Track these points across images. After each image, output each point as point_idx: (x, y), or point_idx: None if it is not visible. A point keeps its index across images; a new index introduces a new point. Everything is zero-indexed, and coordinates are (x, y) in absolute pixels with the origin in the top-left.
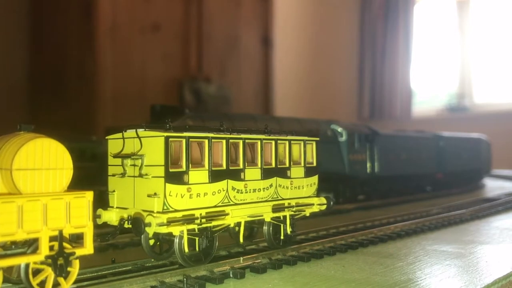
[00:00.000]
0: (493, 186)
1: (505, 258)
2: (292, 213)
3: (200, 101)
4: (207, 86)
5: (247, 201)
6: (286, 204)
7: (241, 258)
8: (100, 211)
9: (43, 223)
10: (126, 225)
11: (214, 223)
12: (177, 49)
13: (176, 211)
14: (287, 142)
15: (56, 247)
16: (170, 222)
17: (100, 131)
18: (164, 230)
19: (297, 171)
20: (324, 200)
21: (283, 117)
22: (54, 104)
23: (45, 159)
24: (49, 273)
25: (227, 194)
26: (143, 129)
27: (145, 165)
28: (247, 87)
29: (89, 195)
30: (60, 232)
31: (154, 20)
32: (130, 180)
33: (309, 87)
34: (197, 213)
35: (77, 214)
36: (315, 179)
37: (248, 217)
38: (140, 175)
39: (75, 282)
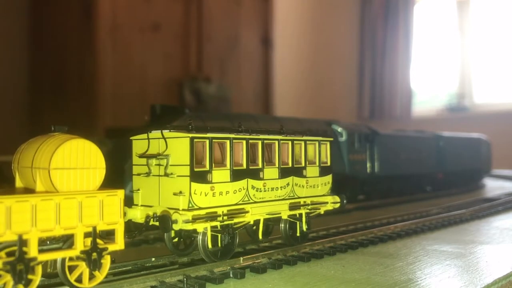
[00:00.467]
0: (493, 186)
1: (505, 258)
2: (308, 211)
3: (200, 101)
4: (207, 86)
5: (266, 199)
6: (302, 202)
7: (241, 258)
8: (125, 208)
9: (79, 220)
10: (152, 222)
11: (235, 220)
12: (177, 49)
13: (200, 208)
14: (303, 143)
15: (89, 243)
16: (195, 219)
17: (100, 131)
18: (189, 227)
19: (312, 171)
20: (337, 199)
21: (283, 117)
22: (54, 104)
23: (79, 159)
24: (83, 268)
25: (247, 192)
26: (168, 130)
27: (171, 165)
28: (247, 87)
29: (120, 193)
30: (94, 228)
31: (154, 20)
32: (155, 179)
33: (309, 87)
34: (219, 211)
35: (109, 211)
36: (329, 178)
37: (266, 214)
38: (166, 174)
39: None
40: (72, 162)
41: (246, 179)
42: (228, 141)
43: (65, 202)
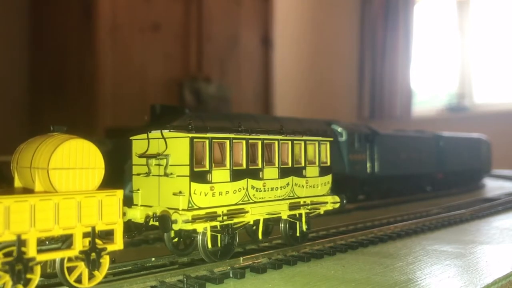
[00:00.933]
0: (493, 186)
1: (505, 258)
2: (308, 211)
3: (200, 101)
4: (207, 86)
5: (266, 199)
6: (302, 202)
7: (241, 258)
8: (125, 208)
9: (77, 220)
10: (151, 222)
11: (235, 220)
12: (177, 49)
13: (200, 208)
14: (302, 143)
15: (88, 243)
16: (194, 219)
17: (100, 131)
18: (189, 226)
19: (312, 171)
20: (337, 199)
21: (283, 117)
22: (54, 104)
23: (78, 159)
24: (82, 268)
25: (247, 192)
26: (168, 130)
27: (170, 165)
28: (247, 87)
29: (119, 194)
30: (93, 228)
31: (154, 20)
32: (155, 179)
33: (309, 87)
34: (219, 211)
35: (108, 211)
36: (329, 178)
37: (266, 214)
38: (165, 174)
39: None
40: (71, 162)
41: (246, 179)
42: (227, 141)
43: (64, 202)
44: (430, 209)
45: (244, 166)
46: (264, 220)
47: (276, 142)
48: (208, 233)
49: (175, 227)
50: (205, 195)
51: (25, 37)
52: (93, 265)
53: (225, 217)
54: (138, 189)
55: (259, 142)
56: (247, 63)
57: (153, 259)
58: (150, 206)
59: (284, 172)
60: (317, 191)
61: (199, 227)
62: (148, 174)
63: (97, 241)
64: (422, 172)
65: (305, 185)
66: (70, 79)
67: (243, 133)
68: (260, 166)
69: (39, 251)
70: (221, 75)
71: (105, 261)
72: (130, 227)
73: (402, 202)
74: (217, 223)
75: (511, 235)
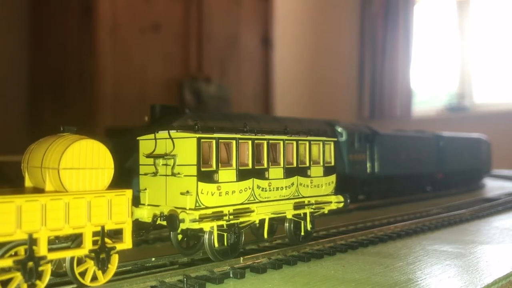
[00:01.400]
0: (493, 186)
1: (505, 258)
2: (312, 210)
3: (200, 101)
4: (207, 86)
5: (271, 199)
6: (306, 202)
7: (241, 258)
8: (132, 208)
9: (87, 219)
10: (159, 222)
11: (241, 219)
12: (177, 49)
13: (207, 208)
14: (307, 143)
15: (98, 242)
16: (201, 219)
17: (100, 131)
18: (196, 226)
19: (317, 170)
20: (341, 198)
21: (283, 117)
22: (54, 104)
23: (88, 159)
24: (90, 266)
25: (252, 192)
26: (175, 131)
27: (177, 165)
28: (247, 87)
29: (128, 193)
30: (102, 227)
31: (154, 20)
32: (162, 178)
33: (309, 87)
34: (225, 210)
35: (117, 211)
36: (333, 178)
37: (271, 214)
38: (173, 174)
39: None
40: (81, 162)
41: (251, 179)
42: (234, 141)
43: (74, 202)
44: (430, 209)
45: (250, 166)
46: (270, 219)
47: (281, 142)
48: (215, 232)
49: (183, 226)
50: (212, 195)
51: (25, 37)
52: (103, 264)
53: (231, 217)
54: (145, 189)
55: (265, 142)
56: (247, 63)
57: (153, 259)
58: (157, 206)
59: (289, 172)
60: (321, 190)
61: (206, 226)
62: (155, 174)
63: (107, 240)
64: (422, 172)
65: (309, 185)
66: (70, 79)
67: (249, 133)
68: (265, 166)
69: (50, 250)
70: (221, 75)
71: (114, 260)
72: (137, 226)
73: (402, 202)
74: (224, 222)
75: (511, 235)
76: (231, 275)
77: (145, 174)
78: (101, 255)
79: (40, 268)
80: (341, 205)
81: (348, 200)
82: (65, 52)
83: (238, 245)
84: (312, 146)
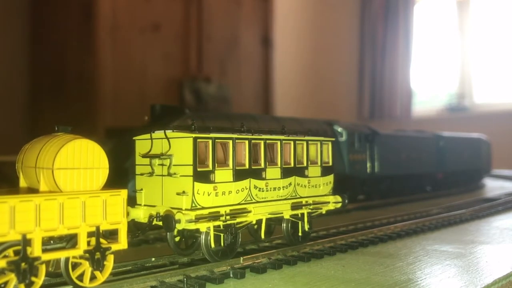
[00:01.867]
0: (493, 186)
1: (505, 258)
2: (310, 210)
3: (200, 101)
4: (207, 86)
5: (268, 199)
6: (304, 202)
7: (241, 258)
8: (128, 208)
9: (82, 220)
10: (155, 222)
11: (237, 220)
12: (177, 49)
13: (203, 208)
14: (305, 143)
15: (93, 242)
16: (198, 219)
17: (100, 131)
18: (192, 226)
19: (314, 170)
20: (339, 199)
21: (283, 117)
22: (54, 104)
23: (83, 159)
24: (86, 267)
25: (249, 192)
26: (171, 130)
27: (174, 165)
28: (247, 87)
29: (123, 193)
30: (97, 228)
31: (154, 20)
32: (158, 179)
33: (309, 87)
34: (222, 211)
35: (112, 211)
36: (330, 178)
37: (268, 214)
38: (169, 174)
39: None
40: (75, 162)
41: (248, 179)
42: (230, 141)
43: (69, 202)
44: (430, 209)
45: (247, 166)
46: (266, 219)
47: (279, 142)
48: (211, 233)
49: (179, 226)
50: (208, 195)
51: (25, 37)
52: (98, 265)
53: (228, 217)
54: (141, 189)
55: (262, 142)
56: (247, 63)
57: (153, 259)
58: (153, 206)
59: (287, 172)
60: (319, 191)
61: (202, 226)
62: (151, 174)
63: (102, 240)
64: (422, 172)
65: (307, 185)
66: (70, 79)
67: (245, 133)
68: (262, 166)
69: (44, 250)
70: (221, 75)
71: (110, 261)
72: (131, 227)
73: (402, 202)
74: (220, 223)
75: (511, 235)
76: (231, 275)
77: (141, 174)
78: (96, 256)
79: (35, 269)
80: (339, 205)
81: (346, 200)
82: (65, 52)
83: (235, 246)
84: (310, 146)
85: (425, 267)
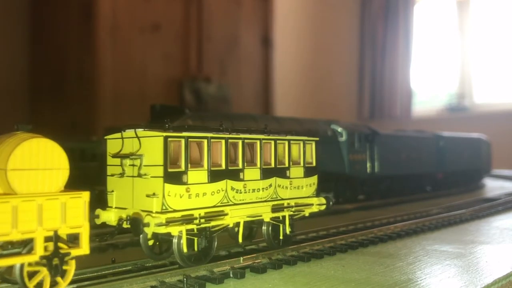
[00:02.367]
0: (493, 186)
1: (505, 258)
2: (292, 213)
3: (200, 101)
4: (207, 86)
5: (246, 201)
6: (285, 204)
7: (241, 258)
8: (98, 211)
9: (38, 224)
10: (125, 225)
11: (213, 223)
12: (177, 49)
13: (175, 211)
14: (286, 142)
15: (51, 247)
16: (169, 222)
17: (100, 131)
18: (162, 230)
19: (297, 171)
20: (323, 200)
21: (283, 117)
22: (54, 104)
23: (41, 159)
24: (45, 274)
25: (226, 194)
26: (142, 129)
27: (144, 165)
28: (247, 87)
29: (85, 196)
30: (55, 232)
31: (154, 20)
32: (129, 180)
33: (309, 87)
34: (196, 213)
35: (73, 214)
36: (314, 179)
37: (247, 217)
38: (139, 175)
39: (75, 282)
40: (32, 162)
41: (225, 180)
42: (205, 141)
43: (23, 205)
44: (430, 209)
45: (223, 167)
46: (247, 222)
47: (258, 142)
48: (184, 237)
49: (148, 230)
50: (181, 197)
51: (25, 37)
52: (56, 271)
53: (202, 220)
54: (113, 191)
55: (240, 142)
56: (247, 63)
57: (151, 259)
58: (124, 208)
59: (267, 173)
60: (301, 192)
61: (174, 230)
62: (122, 175)
63: (61, 245)
64: (422, 172)
65: (289, 187)
66: (70, 79)
67: (222, 132)
68: (240, 166)
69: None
70: (221, 75)
71: (71, 266)
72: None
73: (402, 202)
74: (194, 226)
75: (511, 235)
76: (231, 275)
77: (112, 175)
78: (54, 262)
79: None
80: (323, 207)
81: (331, 202)
82: (65, 52)
83: (211, 251)
84: (292, 146)
85: (425, 267)
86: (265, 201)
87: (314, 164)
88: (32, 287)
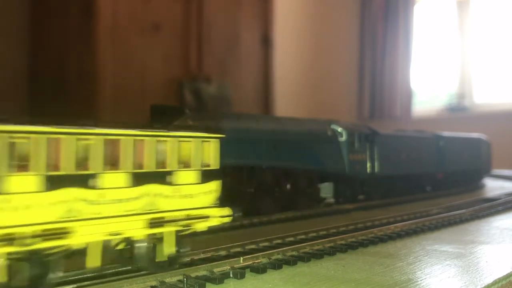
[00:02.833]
0: (493, 186)
1: (505, 258)
2: (179, 228)
3: (200, 101)
4: (207, 86)
5: (105, 215)
6: (167, 218)
7: (241, 258)
8: None
9: None
10: None
11: (48, 244)
12: (177, 49)
13: None
14: (172, 140)
15: None
16: None
17: None
18: None
19: (186, 176)
20: (227, 212)
21: (283, 117)
22: (54, 104)
23: None
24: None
25: (72, 206)
26: None
27: None
28: (247, 87)
29: None
30: None
31: (154, 20)
32: None
33: (309, 87)
34: (20, 231)
35: None
36: (214, 185)
37: (108, 235)
38: None
39: (75, 282)
40: None
41: (70, 188)
42: (43, 137)
43: None
44: (430, 209)
45: (68, 171)
46: (121, 240)
47: (125, 139)
48: (2, 262)
49: None
50: None
51: (25, 37)
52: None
53: (32, 240)
54: None
55: (95, 139)
56: (247, 63)
57: None
58: None
59: (139, 178)
60: (194, 202)
61: None
62: None
63: None
64: (422, 172)
65: (173, 195)
66: (70, 79)
67: (70, 126)
68: (95, 170)
69: None
70: (221, 75)
71: None
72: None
73: (402, 202)
74: (18, 249)
75: (511, 235)
76: (231, 275)
77: None
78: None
79: None
80: (227, 219)
81: (237, 214)
82: (65, 52)
83: (45, 280)
84: (181, 144)
85: (425, 267)
86: (137, 214)
87: (215, 167)
88: None
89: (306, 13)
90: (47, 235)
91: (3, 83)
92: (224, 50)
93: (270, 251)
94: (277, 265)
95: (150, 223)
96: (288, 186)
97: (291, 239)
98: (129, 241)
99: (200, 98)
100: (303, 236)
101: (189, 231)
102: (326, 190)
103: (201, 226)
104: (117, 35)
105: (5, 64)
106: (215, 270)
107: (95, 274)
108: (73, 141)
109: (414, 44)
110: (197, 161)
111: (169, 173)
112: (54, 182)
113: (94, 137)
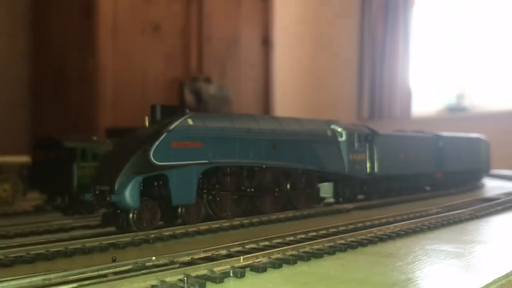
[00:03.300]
0: (493, 186)
1: (505, 258)
2: None
3: (200, 101)
4: (208, 86)
5: None
6: None
7: (241, 257)
8: None
9: None
10: None
11: None
12: (177, 49)
13: None
14: None
15: None
16: None
17: (101, 131)
18: None
19: None
20: None
21: (283, 117)
22: (54, 104)
23: None
24: None
25: None
26: None
27: None
28: (247, 87)
29: None
30: None
31: (155, 20)
32: None
33: (309, 87)
34: None
35: None
36: None
37: None
38: None
39: (76, 281)
40: None
41: None
42: None
43: None
44: (429, 209)
45: None
46: None
47: None
48: None
49: None
50: None
51: (26, 39)
52: None
53: None
54: None
55: None
56: (247, 63)
57: (153, 258)
58: None
59: None
60: None
61: None
62: None
63: None
64: (421, 172)
65: None
66: (71, 79)
67: None
68: None
69: None
70: (222, 75)
71: None
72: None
73: (401, 202)
74: None
75: (511, 234)
76: (231, 274)
77: None
78: None
79: None
80: None
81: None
82: (65, 52)
83: None
84: None
85: (424, 267)
86: None
87: None
88: None
89: (306, 14)
90: None
91: (4, 84)
92: (224, 51)
93: (270, 251)
94: (277, 264)
95: None
96: (288, 186)
97: (291, 238)
98: None
99: (200, 98)
100: (303, 236)
101: None
102: (326, 190)
103: None
104: (117, 36)
105: (5, 65)
106: (216, 269)
107: (96, 273)
108: None
109: (414, 45)
110: None
111: None
112: None
113: None
